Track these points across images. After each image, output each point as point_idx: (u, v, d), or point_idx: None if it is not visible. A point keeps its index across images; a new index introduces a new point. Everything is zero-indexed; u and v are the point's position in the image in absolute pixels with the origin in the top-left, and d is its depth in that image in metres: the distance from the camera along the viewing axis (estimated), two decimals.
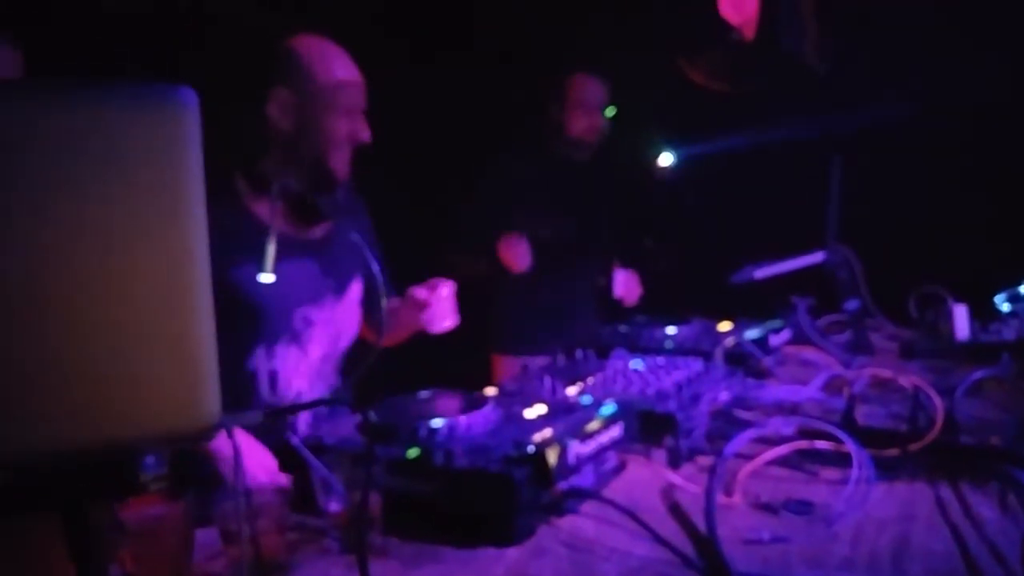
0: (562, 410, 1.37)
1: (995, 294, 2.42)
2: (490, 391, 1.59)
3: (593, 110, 2.73)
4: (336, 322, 1.78)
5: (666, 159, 3.47)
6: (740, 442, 1.38)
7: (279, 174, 1.63)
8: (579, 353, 1.92)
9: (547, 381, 1.65)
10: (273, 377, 1.67)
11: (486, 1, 3.51)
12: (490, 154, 2.81)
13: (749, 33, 2.72)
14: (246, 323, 1.61)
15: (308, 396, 1.72)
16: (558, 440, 1.18)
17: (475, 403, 1.38)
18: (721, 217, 3.39)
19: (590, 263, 2.81)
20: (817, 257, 2.32)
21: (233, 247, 1.54)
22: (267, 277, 1.50)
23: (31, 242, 0.64)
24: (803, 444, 1.41)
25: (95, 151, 0.66)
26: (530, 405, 1.42)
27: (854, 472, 1.28)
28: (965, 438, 1.42)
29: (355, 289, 1.84)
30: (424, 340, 1.88)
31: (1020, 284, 2.44)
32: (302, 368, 1.72)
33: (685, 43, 3.01)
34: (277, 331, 1.66)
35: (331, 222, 1.72)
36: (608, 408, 1.35)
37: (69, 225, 0.66)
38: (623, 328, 2.20)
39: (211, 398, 0.71)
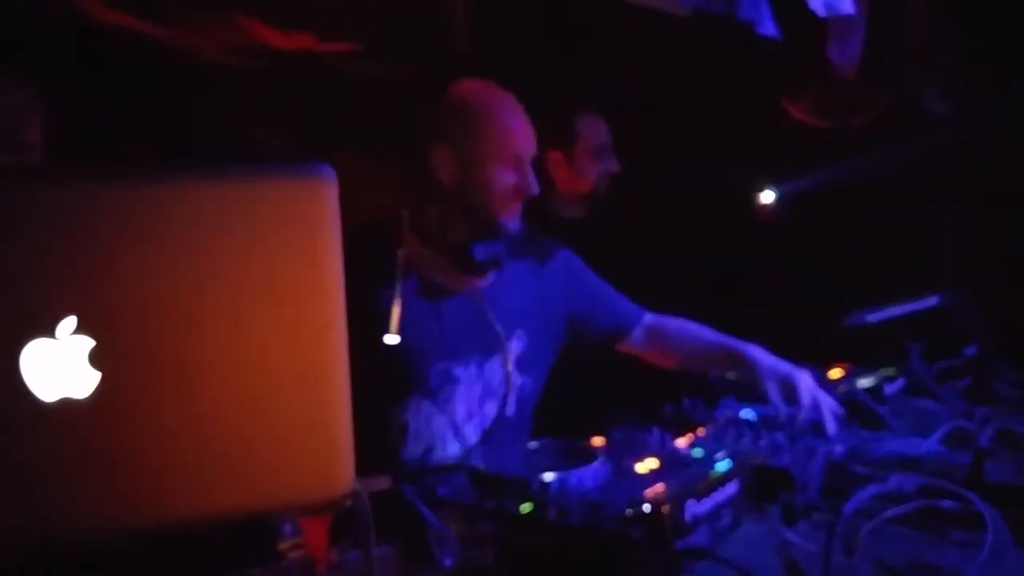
0: (676, 465, 1.37)
1: None
2: (598, 441, 1.60)
3: (605, 154, 2.51)
4: (483, 381, 1.74)
5: (767, 196, 3.40)
6: (860, 499, 1.35)
7: (444, 223, 1.64)
8: (686, 402, 1.90)
9: (655, 432, 1.64)
10: (403, 431, 1.66)
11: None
12: None
13: (852, 72, 2.66)
14: (380, 373, 1.58)
15: (439, 456, 1.70)
16: (674, 498, 1.18)
17: (585, 455, 1.38)
18: (827, 257, 3.30)
19: None
20: (932, 300, 2.23)
21: (385, 296, 1.56)
22: (392, 338, 1.53)
23: (182, 315, 0.71)
24: (928, 503, 1.36)
25: (241, 230, 0.73)
26: (641, 458, 1.42)
27: (988, 535, 1.22)
28: None
29: (512, 349, 1.76)
30: None
31: None
32: (436, 425, 1.69)
33: (789, 82, 2.97)
34: (410, 385, 1.65)
35: (494, 275, 1.69)
36: (723, 464, 1.34)
37: (216, 299, 0.72)
38: (731, 375, 2.16)
39: (346, 466, 0.75)
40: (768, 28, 2.27)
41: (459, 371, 1.70)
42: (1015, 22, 2.83)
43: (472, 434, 1.75)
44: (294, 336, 0.72)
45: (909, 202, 2.73)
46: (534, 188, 1.65)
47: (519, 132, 1.65)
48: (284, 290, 0.72)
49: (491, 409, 1.75)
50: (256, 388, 0.71)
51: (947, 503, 1.34)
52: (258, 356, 0.71)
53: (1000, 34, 2.88)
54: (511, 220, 1.66)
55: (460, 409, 1.71)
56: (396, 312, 1.53)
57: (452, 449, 1.72)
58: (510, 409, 1.76)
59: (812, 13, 2.24)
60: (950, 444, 1.63)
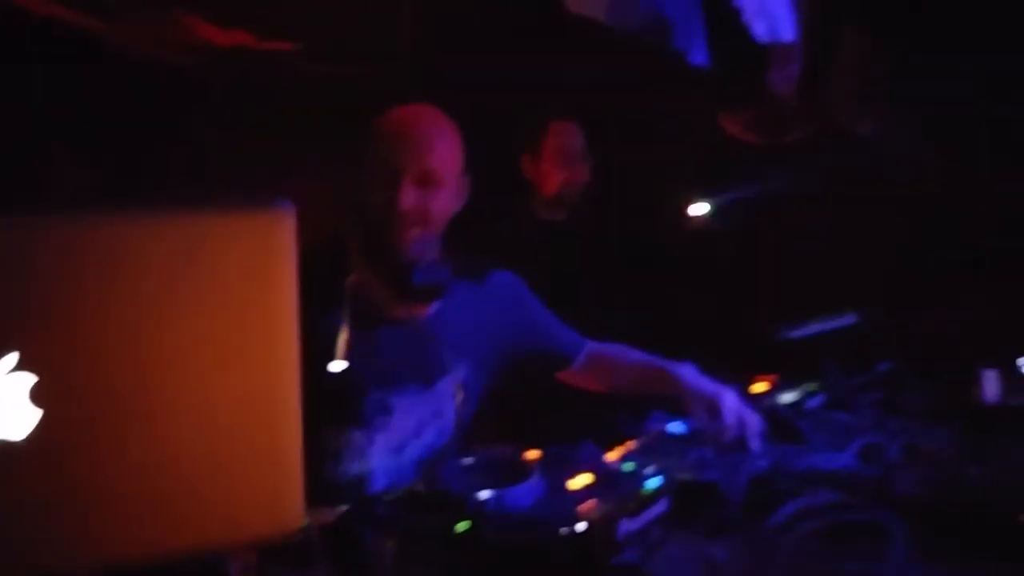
0: (608, 481, 1.41)
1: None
2: (532, 455, 1.63)
3: (572, 162, 2.58)
4: (422, 409, 1.72)
5: (699, 209, 3.46)
6: (783, 515, 1.42)
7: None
8: (618, 415, 1.96)
9: (587, 446, 1.68)
10: (339, 459, 1.65)
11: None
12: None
13: (789, 94, 2.76)
14: (319, 400, 1.57)
15: (376, 484, 1.68)
16: (607, 517, 1.23)
17: (520, 472, 1.41)
18: (753, 272, 3.39)
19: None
20: (851, 318, 2.35)
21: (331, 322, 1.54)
22: (337, 365, 1.52)
23: (131, 352, 0.71)
24: (841, 517, 1.43)
25: (196, 267, 0.73)
26: (574, 473, 1.46)
27: (897, 548, 1.31)
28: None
29: (451, 379, 1.75)
30: None
31: None
32: (372, 453, 1.68)
33: (728, 98, 3.04)
34: (347, 413, 1.63)
35: (435, 304, 1.66)
36: (654, 481, 1.39)
37: (167, 336, 0.72)
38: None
39: (297, 500, 0.76)
40: (700, 57, 2.37)
41: (396, 400, 1.69)
42: (943, 43, 2.99)
43: (409, 461, 1.74)
44: (246, 373, 0.73)
45: (831, 220, 2.85)
46: (404, 205, 1.57)
47: (403, 150, 1.59)
48: (237, 327, 0.73)
49: (430, 436, 1.75)
50: (207, 425, 0.72)
51: (858, 516, 1.42)
52: (209, 393, 0.72)
53: (929, 55, 3.04)
54: (414, 246, 1.60)
55: (396, 437, 1.70)
56: (342, 340, 1.53)
57: (389, 476, 1.71)
58: (449, 436, 1.77)
59: (753, 39, 2.33)
60: (865, 458, 1.73)
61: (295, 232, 0.75)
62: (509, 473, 1.42)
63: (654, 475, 1.46)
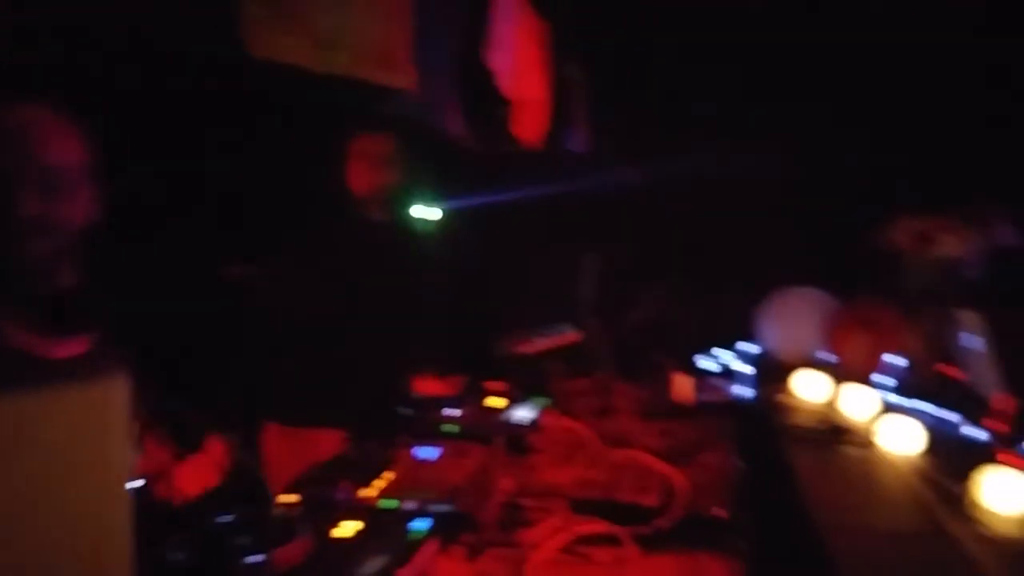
0: (376, 525, 1.46)
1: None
2: (287, 500, 1.63)
3: (377, 165, 2.65)
4: None
5: (432, 213, 3.56)
6: (533, 535, 1.58)
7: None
8: (369, 444, 2.01)
9: (343, 486, 1.71)
10: None
11: None
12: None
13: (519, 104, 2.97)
14: None
15: None
16: (383, 571, 1.28)
17: (283, 528, 1.41)
18: (480, 286, 3.60)
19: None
20: (574, 334, 2.62)
21: None
22: None
23: None
24: (581, 530, 1.63)
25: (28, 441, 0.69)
26: (336, 519, 1.50)
27: (629, 555, 1.53)
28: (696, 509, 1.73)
29: None
30: None
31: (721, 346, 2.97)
32: None
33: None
34: None
35: (84, 338, 1.39)
36: (423, 523, 1.47)
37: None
38: (405, 411, 2.31)
39: None
40: (456, 128, 2.55)
41: None
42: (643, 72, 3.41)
43: None
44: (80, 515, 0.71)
45: (555, 240, 3.14)
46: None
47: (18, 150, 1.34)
48: (67, 489, 0.70)
49: None
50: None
51: (595, 527, 1.63)
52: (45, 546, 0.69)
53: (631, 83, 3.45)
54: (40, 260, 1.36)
55: None
56: None
57: None
58: None
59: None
60: (594, 468, 1.96)
61: (127, 396, 0.74)
62: (272, 531, 1.41)
63: (417, 512, 1.55)
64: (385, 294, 2.67)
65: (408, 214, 2.85)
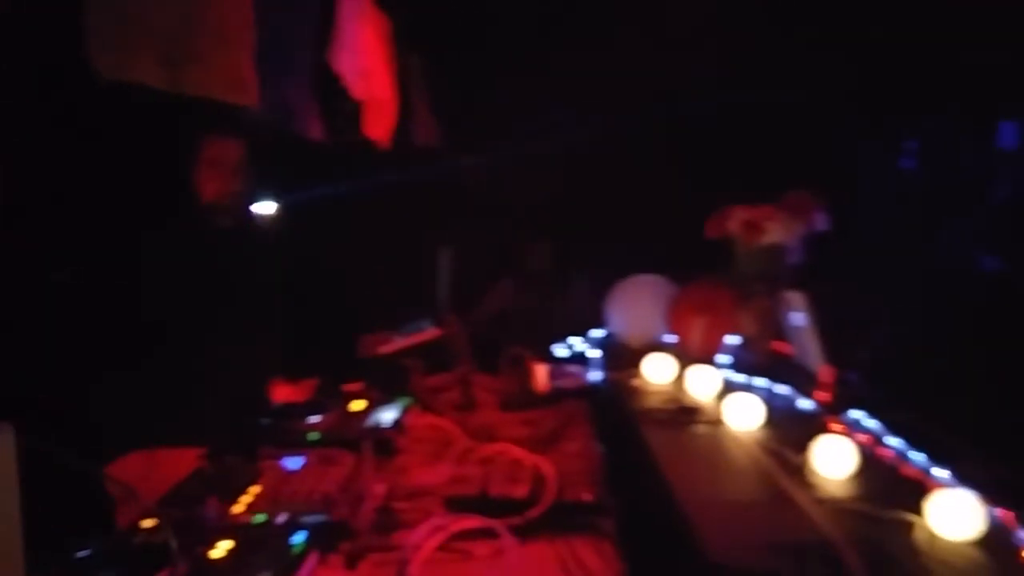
0: (250, 542, 1.42)
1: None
2: (147, 524, 1.54)
3: (226, 171, 2.58)
4: None
5: (266, 207, 3.41)
6: (411, 537, 1.59)
7: None
8: (230, 458, 1.93)
9: (211, 503, 1.65)
10: None
11: None
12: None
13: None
14: None
15: None
16: None
17: (155, 557, 1.35)
18: (335, 282, 3.50)
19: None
20: (432, 330, 2.63)
21: None
22: None
23: None
24: (457, 527, 1.66)
25: None
26: (209, 540, 1.44)
27: (506, 546, 1.57)
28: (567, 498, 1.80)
29: None
30: None
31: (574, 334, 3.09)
32: None
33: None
34: None
35: None
36: (300, 536, 1.45)
37: None
38: (265, 421, 2.24)
39: None
40: (316, 134, 2.63)
41: None
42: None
43: None
44: None
45: (408, 237, 3.12)
46: None
47: None
48: None
49: None
50: None
51: (469, 523, 1.66)
52: None
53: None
54: None
55: None
56: None
57: None
58: None
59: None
60: (462, 464, 1.99)
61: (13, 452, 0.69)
62: (142, 560, 1.35)
63: (291, 525, 1.52)
64: (233, 302, 2.58)
65: (256, 219, 2.76)
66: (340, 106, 2.73)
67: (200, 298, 2.40)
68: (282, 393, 2.58)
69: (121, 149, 1.99)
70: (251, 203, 3.03)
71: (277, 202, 3.30)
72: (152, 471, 2.10)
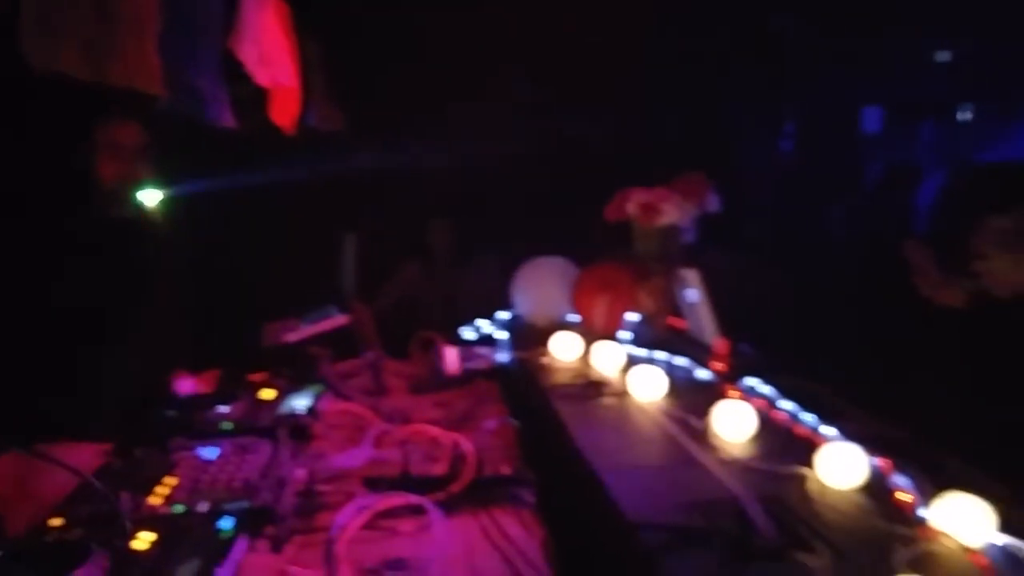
0: (177, 534, 1.40)
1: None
2: (55, 523, 1.49)
3: (126, 156, 2.51)
4: None
5: (151, 197, 3.30)
6: (336, 518, 1.61)
7: None
8: (139, 451, 1.88)
9: (124, 497, 1.61)
10: None
11: None
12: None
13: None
14: None
15: None
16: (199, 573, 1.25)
17: (71, 553, 1.31)
18: (237, 270, 3.41)
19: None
20: (340, 319, 2.62)
21: None
22: None
23: None
24: (382, 505, 1.69)
25: None
26: (129, 532, 1.41)
27: (433, 520, 1.61)
28: (487, 472, 1.86)
29: None
30: None
31: (481, 316, 3.14)
32: None
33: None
34: None
35: None
36: (227, 522, 1.44)
37: None
38: (172, 413, 2.18)
39: None
40: (228, 121, 2.62)
41: None
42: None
43: None
44: None
45: (313, 223, 3.08)
46: None
47: None
48: None
49: None
50: None
51: (394, 501, 1.69)
52: None
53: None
54: None
55: None
56: None
57: None
58: None
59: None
60: (380, 446, 2.01)
61: None
62: (62, 558, 1.31)
63: (214, 514, 1.51)
64: (133, 292, 2.50)
65: (155, 206, 2.68)
66: (244, 92, 2.69)
67: (99, 288, 2.31)
68: (185, 384, 2.52)
69: (17, 135, 1.91)
70: (154, 191, 2.94)
71: (179, 190, 3.21)
72: (32, 472, 2.02)
